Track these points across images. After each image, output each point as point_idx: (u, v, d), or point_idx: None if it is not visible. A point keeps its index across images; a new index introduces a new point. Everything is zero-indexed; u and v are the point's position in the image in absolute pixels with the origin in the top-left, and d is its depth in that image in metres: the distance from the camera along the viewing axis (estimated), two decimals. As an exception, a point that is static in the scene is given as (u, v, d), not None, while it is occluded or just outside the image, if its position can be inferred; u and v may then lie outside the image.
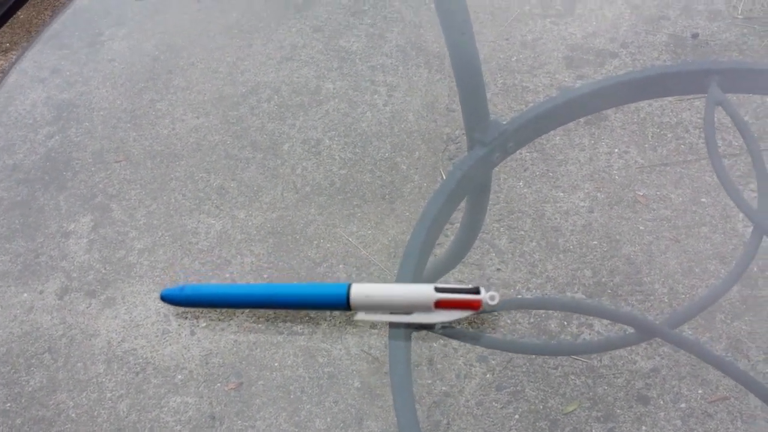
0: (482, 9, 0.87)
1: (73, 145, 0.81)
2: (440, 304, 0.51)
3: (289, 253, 0.64)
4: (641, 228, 0.60)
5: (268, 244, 0.66)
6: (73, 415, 0.56)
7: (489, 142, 0.55)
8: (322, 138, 0.75)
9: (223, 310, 0.60)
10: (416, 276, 0.56)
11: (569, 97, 0.57)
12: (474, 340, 0.53)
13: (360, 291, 0.53)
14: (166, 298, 0.57)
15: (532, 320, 0.55)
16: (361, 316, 0.53)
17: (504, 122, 0.54)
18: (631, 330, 0.53)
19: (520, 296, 0.55)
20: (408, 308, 0.52)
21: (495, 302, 0.50)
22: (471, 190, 0.57)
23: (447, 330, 0.54)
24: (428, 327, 0.54)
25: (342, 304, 0.53)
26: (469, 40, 0.50)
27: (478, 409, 0.51)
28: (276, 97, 0.82)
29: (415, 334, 0.54)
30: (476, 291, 0.51)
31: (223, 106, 0.82)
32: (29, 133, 0.84)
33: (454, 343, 0.55)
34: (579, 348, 0.51)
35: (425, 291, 0.51)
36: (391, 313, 0.53)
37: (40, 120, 0.85)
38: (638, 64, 0.75)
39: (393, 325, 0.54)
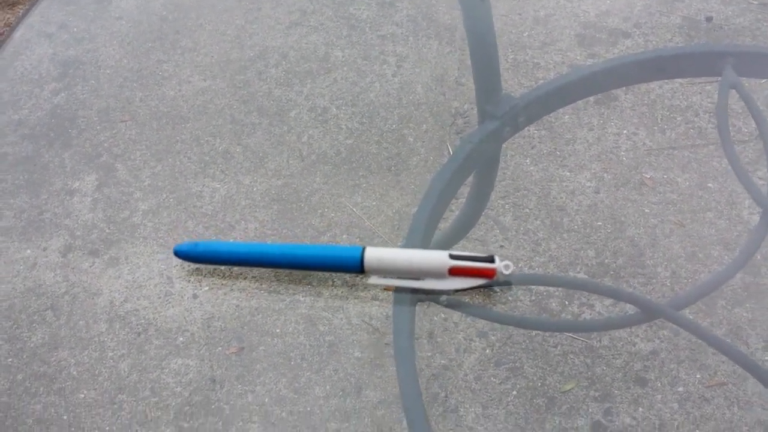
0: (496, -18, 0.86)
1: (79, 102, 0.80)
2: (454, 271, 0.51)
3: (293, 221, 0.64)
4: (646, 211, 0.60)
5: (272, 211, 0.66)
6: (74, 372, 0.56)
7: (500, 116, 0.55)
8: (329, 106, 0.75)
9: (227, 272, 0.60)
10: (423, 245, 0.56)
11: (582, 75, 0.56)
12: (477, 313, 0.53)
13: (374, 254, 0.53)
14: (179, 253, 0.57)
15: (533, 298, 0.55)
16: (373, 279, 0.54)
17: (516, 97, 0.53)
18: (634, 310, 0.53)
19: (532, 271, 0.55)
20: (421, 274, 0.52)
21: (509, 272, 0.51)
22: (480, 164, 0.57)
23: (452, 301, 0.54)
24: (437, 294, 0.54)
25: (356, 266, 0.53)
26: (486, 11, 0.50)
27: (476, 383, 0.51)
28: (284, 62, 0.81)
29: (418, 306, 0.55)
30: (491, 260, 0.51)
31: (230, 70, 0.81)
32: (35, 89, 0.83)
33: (455, 317, 0.55)
34: (581, 326, 0.52)
35: (439, 257, 0.52)
36: (404, 278, 0.53)
37: (46, 76, 0.85)
38: (651, 45, 0.74)
39: (401, 291, 0.54)
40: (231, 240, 0.63)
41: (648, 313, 0.51)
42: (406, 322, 0.52)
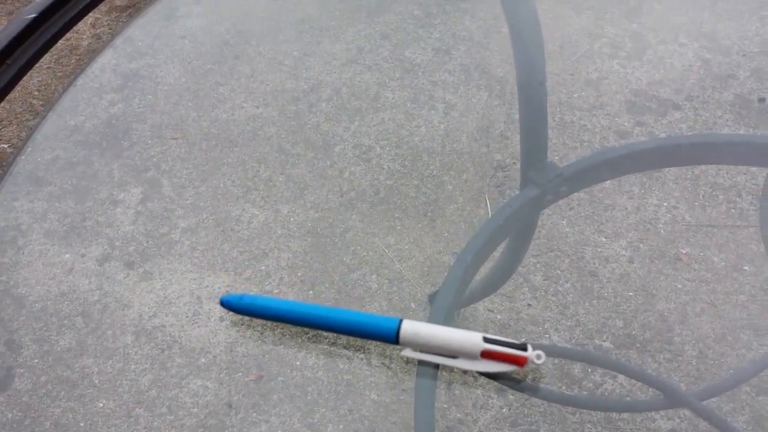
0: (552, 40, 0.87)
1: (135, 115, 0.83)
2: (486, 354, 0.52)
3: (326, 255, 0.65)
4: (679, 286, 0.60)
5: (306, 243, 0.67)
6: (96, 381, 0.57)
7: (542, 184, 0.56)
8: (373, 146, 0.76)
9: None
10: (453, 305, 0.56)
11: (631, 150, 0.56)
12: (496, 377, 0.53)
13: (410, 328, 0.54)
14: (225, 304, 0.59)
15: (555, 362, 0.55)
16: (407, 352, 0.55)
17: (561, 166, 0.54)
18: (659, 394, 0.52)
19: (563, 346, 0.55)
20: (454, 352, 0.53)
21: (541, 361, 0.52)
22: (516, 229, 0.58)
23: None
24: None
25: (391, 338, 0.55)
26: (541, 77, 0.51)
27: (489, 441, 0.51)
28: (335, 98, 0.83)
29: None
30: (524, 347, 0.52)
31: (283, 100, 0.83)
32: (93, 97, 0.86)
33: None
34: (603, 404, 0.51)
35: (474, 339, 0.53)
36: (437, 354, 0.54)
37: (106, 86, 0.88)
38: (700, 120, 0.74)
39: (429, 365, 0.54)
40: (262, 269, 0.65)
41: (671, 399, 0.50)
42: (430, 373, 0.52)
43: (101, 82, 0.89)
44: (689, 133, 0.70)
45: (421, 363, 0.55)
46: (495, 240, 0.55)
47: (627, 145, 0.67)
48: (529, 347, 0.52)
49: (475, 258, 0.56)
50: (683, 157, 0.57)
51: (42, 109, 0.85)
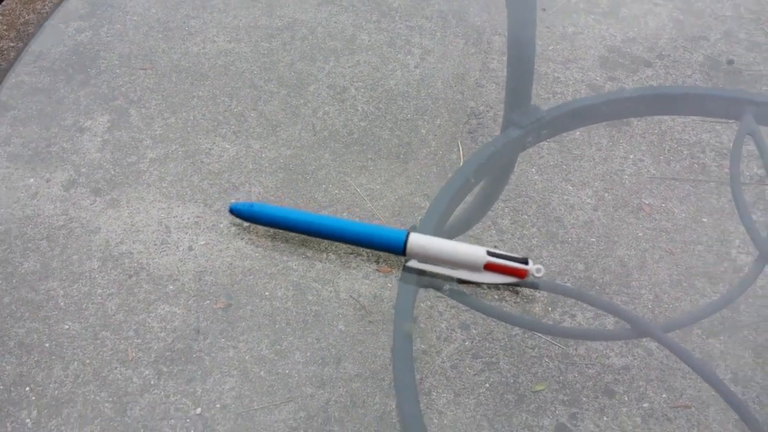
0: (528, -7, 0.87)
1: (102, 44, 0.81)
2: (489, 267, 0.54)
3: (297, 191, 0.65)
4: (640, 234, 0.62)
5: (278, 179, 0.67)
6: (61, 303, 0.57)
7: (525, 126, 0.57)
8: (348, 87, 0.76)
9: (225, 230, 0.61)
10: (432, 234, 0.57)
11: (615, 98, 0.57)
12: (474, 305, 0.55)
13: (417, 240, 0.56)
14: (234, 211, 0.60)
15: (517, 300, 0.57)
16: (413, 263, 0.57)
17: (543, 110, 0.54)
18: (616, 325, 0.54)
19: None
20: (458, 265, 0.56)
21: (540, 275, 0.54)
22: (496, 168, 0.59)
23: (454, 292, 0.56)
24: (441, 283, 0.56)
25: (399, 248, 0.56)
26: (532, 21, 0.51)
27: (451, 371, 0.53)
28: (311, 37, 0.82)
29: (421, 291, 0.56)
30: (525, 261, 0.54)
31: (256, 36, 0.82)
32: (60, 24, 0.84)
33: (440, 306, 0.57)
34: (571, 332, 0.53)
35: (478, 252, 0.55)
36: (440, 266, 0.56)
37: (73, 13, 0.85)
38: (670, 78, 0.76)
39: (435, 276, 0.56)
40: (232, 201, 0.64)
41: (637, 330, 0.52)
42: (409, 303, 0.54)
43: (68, 9, 0.86)
44: (653, 84, 0.72)
45: (424, 274, 0.56)
46: (477, 177, 0.56)
47: (609, 93, 0.68)
48: (530, 261, 0.55)
49: (457, 192, 0.57)
50: (657, 107, 0.58)
51: (6, 33, 0.82)
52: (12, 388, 0.52)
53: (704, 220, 0.63)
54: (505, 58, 0.78)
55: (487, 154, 0.56)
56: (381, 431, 0.50)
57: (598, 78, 0.76)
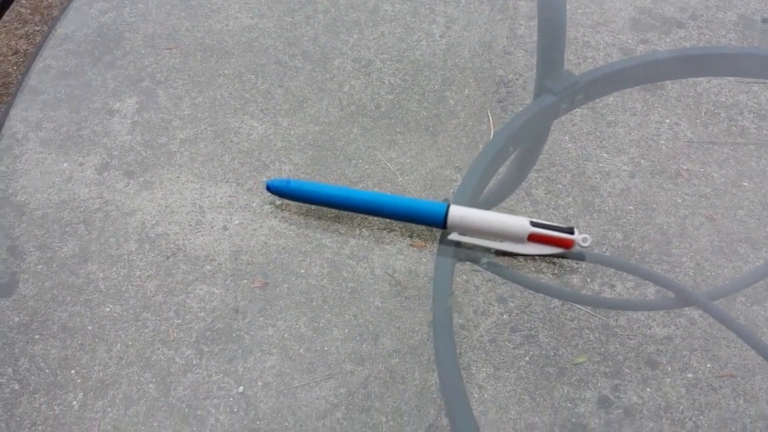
0: (555, -45, 0.85)
1: (126, 24, 0.81)
2: (533, 238, 0.53)
3: (327, 168, 0.65)
4: (679, 201, 0.60)
5: (307, 156, 0.66)
6: (102, 286, 0.58)
7: (559, 92, 0.55)
8: (373, 59, 0.75)
9: (258, 209, 0.61)
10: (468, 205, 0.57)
11: (647, 60, 0.56)
12: (512, 278, 0.54)
13: (457, 213, 0.55)
14: (271, 188, 0.60)
15: (556, 271, 0.56)
16: (455, 236, 0.56)
17: (576, 75, 0.53)
18: (658, 295, 0.54)
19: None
20: (501, 236, 0.55)
21: (587, 244, 0.53)
22: (528, 137, 0.58)
23: (491, 264, 0.55)
24: (479, 256, 0.55)
25: (439, 221, 0.56)
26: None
27: (490, 345, 0.53)
28: (333, 9, 0.81)
29: (458, 265, 0.56)
30: (570, 231, 0.53)
31: (279, 10, 0.81)
32: (83, 5, 0.83)
33: (477, 280, 0.56)
34: (612, 303, 0.53)
35: (521, 223, 0.54)
36: (483, 238, 0.55)
37: (95, -6, 0.85)
38: (704, 39, 0.74)
39: (475, 247, 0.55)
40: (263, 180, 0.64)
41: (682, 299, 0.51)
42: (447, 277, 0.53)
43: (90, -10, 0.86)
44: (687, 45, 0.70)
45: (465, 246, 0.56)
46: (510, 145, 0.55)
47: (641, 56, 0.66)
48: (576, 230, 0.53)
49: (491, 162, 0.56)
50: (692, 69, 0.57)
51: (30, 17, 0.82)
52: (58, 372, 0.53)
53: (745, 183, 0.61)
54: (533, 24, 0.77)
55: (520, 123, 0.55)
56: (422, 405, 0.50)
57: (629, 41, 0.74)
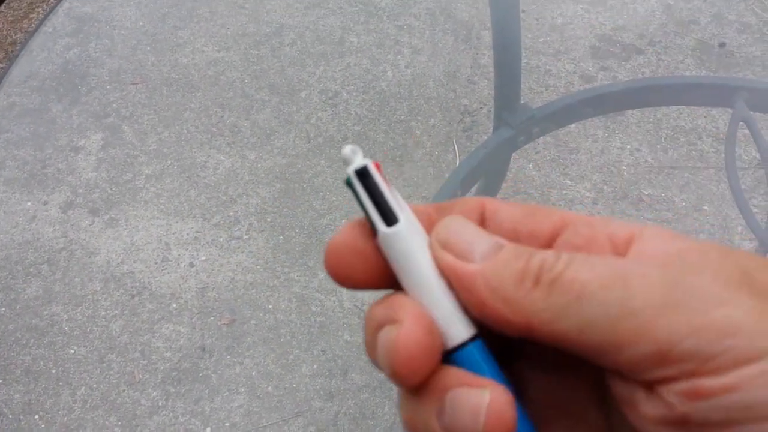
0: (516, -16, 0.86)
1: (91, 60, 0.80)
2: None
3: (295, 201, 0.65)
4: (641, 226, 0.61)
5: (275, 189, 0.66)
6: (66, 328, 0.57)
7: (516, 125, 0.56)
8: (340, 91, 0.76)
9: (225, 245, 0.61)
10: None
11: (603, 93, 0.57)
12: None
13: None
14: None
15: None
16: None
17: (533, 108, 0.54)
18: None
19: None
20: None
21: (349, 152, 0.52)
22: (489, 170, 0.58)
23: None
24: None
25: None
26: (516, 19, 0.50)
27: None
28: (299, 42, 0.81)
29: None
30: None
31: (245, 44, 0.81)
32: (48, 42, 0.83)
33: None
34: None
35: None
36: None
37: (60, 30, 0.85)
38: (662, 65, 0.75)
39: None
40: (230, 215, 0.64)
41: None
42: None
43: (54, 26, 0.86)
44: (646, 73, 0.71)
45: None
46: (470, 180, 0.55)
47: (597, 88, 0.67)
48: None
49: (452, 198, 0.57)
50: (652, 100, 0.58)
51: (-8, 53, 0.82)
52: (21, 417, 0.52)
53: (705, 207, 0.62)
54: (496, 53, 0.78)
55: (480, 157, 0.56)
56: (392, 440, 0.50)
57: (590, 68, 0.75)
